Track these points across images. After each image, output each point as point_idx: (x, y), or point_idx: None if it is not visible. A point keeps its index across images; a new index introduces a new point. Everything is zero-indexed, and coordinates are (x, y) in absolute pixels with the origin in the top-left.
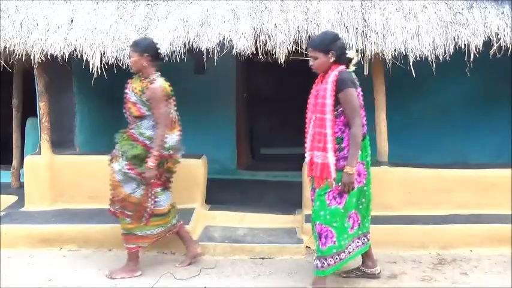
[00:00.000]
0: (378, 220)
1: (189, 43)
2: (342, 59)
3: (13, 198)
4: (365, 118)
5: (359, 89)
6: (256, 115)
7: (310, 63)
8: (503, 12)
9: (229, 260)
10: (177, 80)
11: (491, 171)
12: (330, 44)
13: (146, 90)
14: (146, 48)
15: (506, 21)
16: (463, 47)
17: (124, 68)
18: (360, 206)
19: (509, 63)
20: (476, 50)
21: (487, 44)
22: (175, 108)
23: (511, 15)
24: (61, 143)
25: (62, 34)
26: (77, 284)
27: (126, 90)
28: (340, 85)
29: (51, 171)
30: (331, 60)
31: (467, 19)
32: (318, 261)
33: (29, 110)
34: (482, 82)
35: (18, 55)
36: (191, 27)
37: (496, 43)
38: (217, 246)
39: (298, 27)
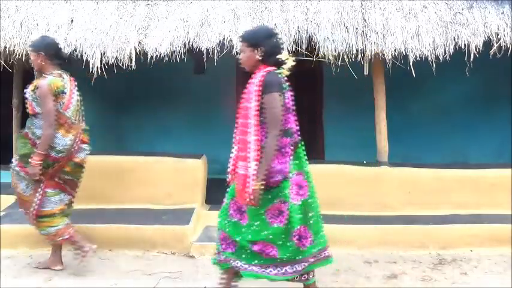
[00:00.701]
0: (378, 220)
1: (189, 43)
2: (271, 59)
3: (13, 198)
4: (296, 124)
5: (288, 93)
6: None
7: (239, 56)
8: (503, 12)
9: None
10: (177, 80)
11: (491, 171)
12: (260, 40)
13: (38, 88)
14: (42, 48)
15: (506, 21)
16: (463, 47)
17: (124, 68)
18: (311, 221)
19: (509, 63)
20: (476, 50)
21: (487, 44)
22: (78, 111)
23: (511, 15)
24: None
25: (62, 34)
26: (76, 284)
27: (25, 90)
28: (265, 88)
29: None
30: (258, 58)
31: (467, 19)
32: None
33: None
34: (482, 82)
35: (18, 55)
36: (191, 27)
37: (496, 43)
38: None
39: (298, 27)
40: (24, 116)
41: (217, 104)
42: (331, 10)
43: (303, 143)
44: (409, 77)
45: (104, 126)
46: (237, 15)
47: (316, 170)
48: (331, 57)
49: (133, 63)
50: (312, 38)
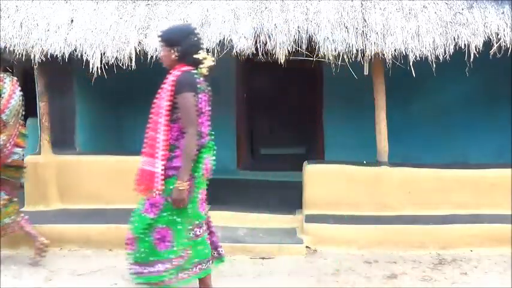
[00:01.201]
0: (378, 220)
1: None
2: (187, 59)
3: None
4: (206, 125)
5: (202, 95)
6: (256, 115)
7: (159, 54)
8: (503, 12)
9: (229, 260)
10: None
11: (491, 171)
12: (176, 39)
13: None
14: None
15: (506, 21)
16: (463, 47)
17: (124, 68)
18: (179, 227)
19: (509, 63)
20: (476, 50)
21: (487, 44)
22: (18, 113)
23: (511, 15)
24: (61, 143)
25: (62, 34)
26: (76, 284)
27: None
28: (177, 88)
29: (51, 171)
30: (174, 57)
31: (467, 19)
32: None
33: (29, 110)
34: (482, 82)
35: (18, 55)
36: None
37: (496, 43)
38: None
39: (298, 27)
40: (24, 116)
41: (217, 104)
42: (331, 10)
43: (214, 148)
44: (409, 77)
45: (104, 126)
46: (237, 15)
47: (316, 170)
48: (331, 57)
49: (133, 63)
50: (312, 38)
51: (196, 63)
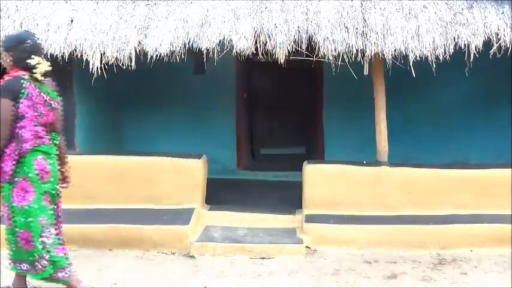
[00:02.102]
0: (378, 220)
1: (189, 43)
2: (21, 64)
3: None
4: (32, 129)
5: (25, 101)
6: (256, 115)
7: None
8: (503, 12)
9: (229, 260)
10: (177, 80)
11: (491, 171)
12: (9, 45)
13: None
14: None
15: (506, 21)
16: (463, 47)
17: (124, 68)
18: (32, 224)
19: (509, 63)
20: (476, 50)
21: (487, 44)
22: None
23: (511, 15)
24: None
25: (62, 34)
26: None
27: None
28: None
29: None
30: (9, 62)
31: (467, 19)
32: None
33: None
34: (482, 82)
35: None
36: (191, 27)
37: (496, 43)
38: (217, 246)
39: (298, 27)
40: None
41: (217, 104)
42: (331, 10)
43: (42, 150)
44: (409, 77)
45: (104, 126)
46: (237, 15)
47: (316, 170)
48: (331, 57)
49: (133, 63)
50: (312, 38)
51: (30, 68)
